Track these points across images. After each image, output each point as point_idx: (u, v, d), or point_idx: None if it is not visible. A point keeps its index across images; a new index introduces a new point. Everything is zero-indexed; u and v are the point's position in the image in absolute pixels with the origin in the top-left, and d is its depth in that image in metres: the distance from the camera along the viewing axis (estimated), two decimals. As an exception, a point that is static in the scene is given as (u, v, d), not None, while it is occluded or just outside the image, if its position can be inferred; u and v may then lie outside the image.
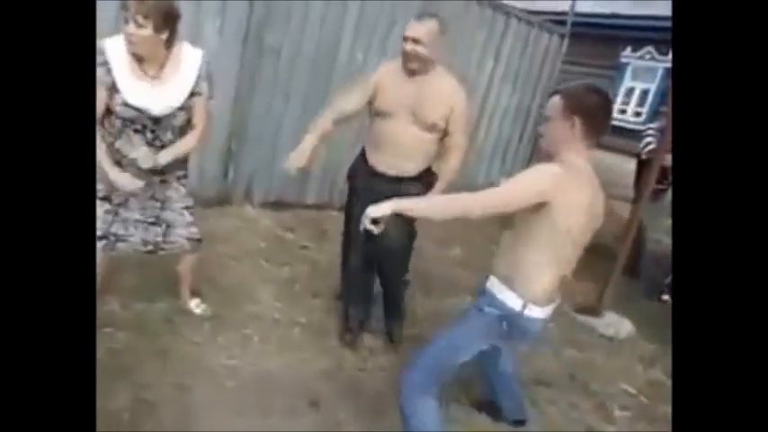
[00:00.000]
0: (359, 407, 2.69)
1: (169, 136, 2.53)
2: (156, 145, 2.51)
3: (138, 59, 2.34)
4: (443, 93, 2.82)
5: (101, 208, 2.57)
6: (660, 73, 10.78)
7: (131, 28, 2.22)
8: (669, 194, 6.09)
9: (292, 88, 4.80)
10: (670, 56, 10.20)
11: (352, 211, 3.01)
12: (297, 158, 2.76)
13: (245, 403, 2.57)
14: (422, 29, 2.72)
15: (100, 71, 2.27)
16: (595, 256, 4.93)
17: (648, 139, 5.35)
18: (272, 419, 2.50)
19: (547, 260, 2.02)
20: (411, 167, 2.91)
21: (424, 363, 2.21)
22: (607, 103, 2.04)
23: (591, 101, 1.99)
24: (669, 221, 8.40)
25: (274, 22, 4.53)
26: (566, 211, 1.94)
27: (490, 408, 2.76)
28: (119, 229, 2.66)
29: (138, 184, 2.47)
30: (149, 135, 2.49)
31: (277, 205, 4.92)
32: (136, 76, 2.35)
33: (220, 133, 4.55)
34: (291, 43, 4.69)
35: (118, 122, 2.43)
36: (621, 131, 10.55)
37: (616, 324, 4.23)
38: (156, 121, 2.45)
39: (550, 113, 2.05)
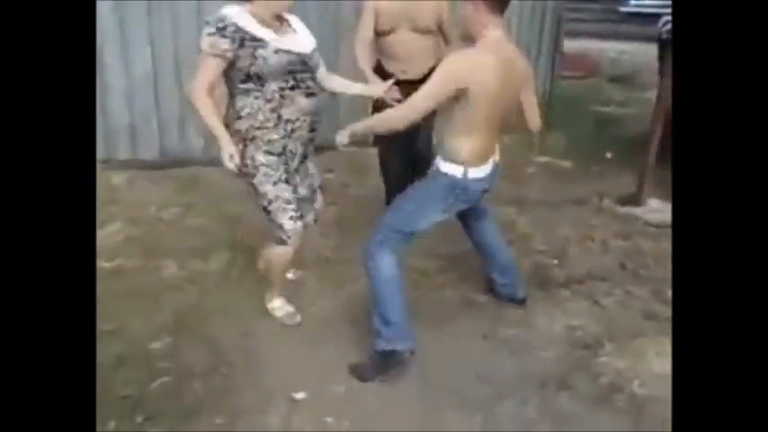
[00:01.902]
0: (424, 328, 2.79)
1: (316, 83, 2.55)
2: (311, 93, 2.50)
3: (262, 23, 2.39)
4: (431, 2, 3.29)
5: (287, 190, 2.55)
6: (674, -53, 10.23)
7: None
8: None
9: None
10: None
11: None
12: (377, 90, 2.99)
13: (310, 338, 2.71)
14: None
15: (218, 40, 2.29)
16: (633, 147, 4.92)
17: (665, 18, 5.20)
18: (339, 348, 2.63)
19: (467, 129, 2.29)
20: (419, 69, 3.32)
21: (385, 223, 2.47)
22: None
23: None
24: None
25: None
26: (481, 87, 2.16)
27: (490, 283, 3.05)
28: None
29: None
30: (304, 85, 2.46)
31: (315, 149, 4.92)
32: (271, 31, 2.39)
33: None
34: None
35: (272, 86, 2.39)
36: (641, 17, 10.19)
37: (659, 210, 4.22)
38: (305, 64, 2.46)
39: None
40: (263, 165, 2.46)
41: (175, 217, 3.84)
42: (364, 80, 3.22)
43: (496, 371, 2.52)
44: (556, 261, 3.50)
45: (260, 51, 2.33)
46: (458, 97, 2.19)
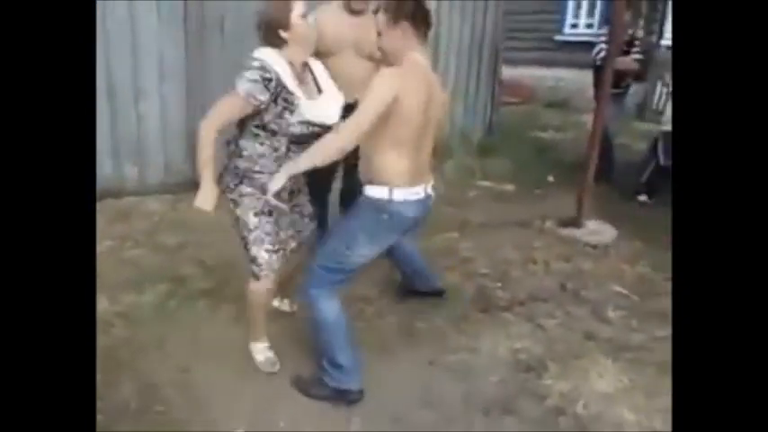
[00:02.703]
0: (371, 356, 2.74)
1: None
2: None
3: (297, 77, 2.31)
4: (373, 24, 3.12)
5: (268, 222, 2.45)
6: (605, -21, 10.73)
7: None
8: (628, 98, 6.18)
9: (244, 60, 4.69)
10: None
11: None
12: None
13: (249, 371, 2.61)
14: None
15: (259, 89, 2.19)
16: (572, 170, 5.05)
17: (600, 46, 5.41)
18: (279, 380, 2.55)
19: (394, 146, 2.23)
20: (357, 93, 3.09)
21: (316, 263, 2.39)
22: (420, 1, 2.24)
23: (409, 6, 2.20)
24: (634, 124, 8.58)
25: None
26: (409, 100, 2.15)
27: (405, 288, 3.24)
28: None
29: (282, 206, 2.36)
30: (314, 140, 2.32)
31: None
32: (302, 90, 2.32)
33: (178, 117, 4.47)
34: (233, 14, 4.56)
35: (283, 140, 2.34)
36: (577, 45, 10.55)
37: (598, 231, 4.33)
38: (328, 129, 2.34)
39: (380, 29, 2.22)
40: (248, 195, 2.38)
41: (109, 249, 3.68)
42: None
43: (442, 396, 2.49)
44: (499, 284, 3.51)
45: (287, 116, 2.27)
46: (386, 112, 2.16)
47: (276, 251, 2.47)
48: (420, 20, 2.22)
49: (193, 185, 4.38)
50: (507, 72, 7.89)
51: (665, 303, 3.35)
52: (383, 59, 2.30)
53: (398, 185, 2.27)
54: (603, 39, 5.37)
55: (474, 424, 2.34)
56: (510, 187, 5.40)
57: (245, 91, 2.19)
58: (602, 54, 5.16)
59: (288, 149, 2.36)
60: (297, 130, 2.31)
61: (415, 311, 3.12)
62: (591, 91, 5.91)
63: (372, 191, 2.30)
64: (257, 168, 2.36)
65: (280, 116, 2.27)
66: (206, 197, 2.30)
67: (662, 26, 11.05)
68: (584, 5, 11.40)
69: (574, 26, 11.57)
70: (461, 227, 4.32)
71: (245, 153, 2.36)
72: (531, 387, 2.57)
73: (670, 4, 11.49)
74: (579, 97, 9.39)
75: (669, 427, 2.38)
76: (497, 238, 4.18)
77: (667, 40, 11.42)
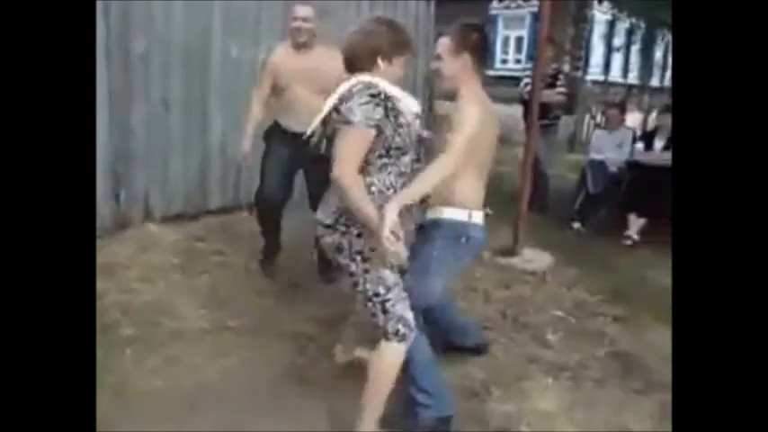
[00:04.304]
0: (308, 393, 2.67)
1: None
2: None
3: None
4: (327, 61, 3.21)
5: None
6: (528, 18, 11.25)
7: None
8: (559, 129, 6.42)
9: (170, 95, 4.63)
10: (534, 0, 10.60)
11: (265, 161, 3.66)
12: (245, 148, 3.58)
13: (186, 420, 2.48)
14: (306, 8, 3.46)
15: (373, 109, 2.01)
16: (510, 202, 5.16)
17: (525, 80, 5.63)
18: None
19: (473, 174, 2.35)
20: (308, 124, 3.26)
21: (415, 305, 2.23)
22: (485, 36, 2.42)
23: (474, 37, 2.34)
24: (566, 156, 8.90)
25: (135, 28, 4.33)
26: (483, 134, 2.27)
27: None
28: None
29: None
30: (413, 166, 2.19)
31: (181, 218, 4.74)
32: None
33: (103, 156, 4.33)
34: (159, 49, 4.51)
35: (407, 158, 2.15)
36: (507, 80, 10.95)
37: (535, 258, 4.43)
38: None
39: (442, 53, 2.33)
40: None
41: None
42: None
43: (394, 425, 2.40)
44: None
45: (401, 119, 2.09)
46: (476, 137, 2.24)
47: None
48: (483, 51, 2.37)
49: (124, 222, 4.22)
50: (442, 106, 8.07)
51: (602, 323, 3.49)
52: (438, 83, 2.44)
53: (476, 208, 2.39)
54: (529, 73, 5.60)
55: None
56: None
57: (364, 116, 1.99)
58: (528, 88, 5.37)
59: (413, 169, 2.16)
60: (415, 127, 2.14)
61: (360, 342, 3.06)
62: (522, 124, 6.11)
63: (450, 212, 2.36)
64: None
65: (397, 123, 2.07)
66: (400, 248, 1.99)
67: (586, 62, 11.64)
68: (512, 41, 11.90)
69: (504, 62, 12.03)
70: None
71: (372, 189, 2.08)
72: (477, 412, 2.57)
73: (593, 42, 12.13)
74: (516, 131, 9.69)
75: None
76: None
77: (592, 74, 12.00)
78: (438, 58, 2.35)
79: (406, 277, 2.24)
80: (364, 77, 2.08)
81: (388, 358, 2.15)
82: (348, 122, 2.00)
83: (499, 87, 11.47)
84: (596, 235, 5.31)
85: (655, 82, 16.52)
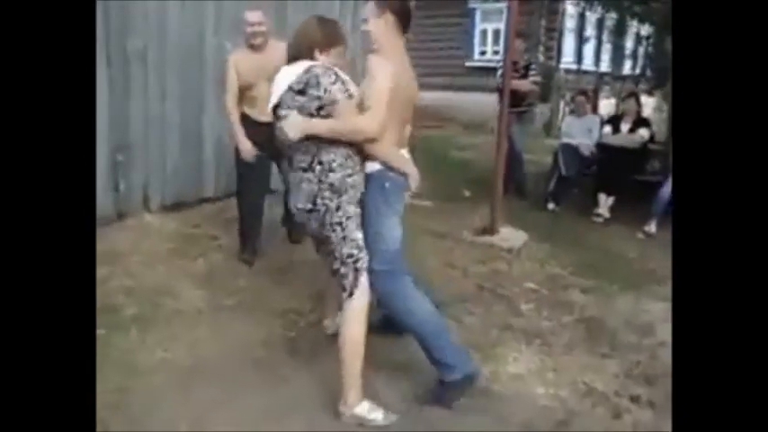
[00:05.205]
0: (299, 363, 2.90)
1: None
2: None
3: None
4: (281, 55, 3.27)
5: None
6: (505, 12, 11.43)
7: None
8: (533, 116, 6.70)
9: (167, 89, 4.83)
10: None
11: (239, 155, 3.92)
12: (246, 147, 3.83)
13: (189, 389, 2.66)
14: (256, 13, 3.76)
15: (342, 83, 2.35)
16: (487, 185, 5.42)
17: (500, 71, 5.88)
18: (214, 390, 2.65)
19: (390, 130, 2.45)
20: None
21: (374, 258, 2.48)
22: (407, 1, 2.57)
23: (394, 2, 2.48)
24: (543, 141, 9.19)
25: (133, 26, 4.51)
26: (397, 85, 2.38)
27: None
28: None
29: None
30: None
31: (177, 207, 4.96)
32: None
33: (103, 147, 4.52)
34: (155, 45, 4.70)
35: None
36: (485, 70, 11.19)
37: (511, 237, 4.70)
38: None
39: (368, 15, 2.49)
40: (354, 213, 2.44)
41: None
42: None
43: (374, 395, 2.59)
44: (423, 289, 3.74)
45: (353, 94, 2.41)
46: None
47: None
48: (401, 14, 2.50)
49: (123, 211, 4.37)
50: (424, 95, 8.28)
51: (572, 295, 3.76)
52: (366, 45, 2.58)
53: (397, 150, 2.54)
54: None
55: (410, 411, 2.53)
56: (428, 203, 5.71)
57: (340, 90, 2.34)
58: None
59: None
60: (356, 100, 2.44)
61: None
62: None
63: (369, 166, 2.50)
64: (350, 172, 2.41)
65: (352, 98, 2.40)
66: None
67: (559, 53, 11.90)
68: (490, 33, 12.13)
69: (483, 53, 12.27)
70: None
71: (334, 164, 2.39)
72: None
73: (565, 32, 12.37)
74: (493, 119, 9.92)
75: (575, 396, 2.69)
76: (419, 249, 4.43)
77: (565, 64, 12.24)
78: (365, 21, 2.52)
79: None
80: (314, 63, 2.40)
81: (354, 318, 2.44)
82: (335, 102, 2.33)
83: (477, 77, 11.80)
84: (569, 213, 5.62)
85: (626, 70, 16.91)
